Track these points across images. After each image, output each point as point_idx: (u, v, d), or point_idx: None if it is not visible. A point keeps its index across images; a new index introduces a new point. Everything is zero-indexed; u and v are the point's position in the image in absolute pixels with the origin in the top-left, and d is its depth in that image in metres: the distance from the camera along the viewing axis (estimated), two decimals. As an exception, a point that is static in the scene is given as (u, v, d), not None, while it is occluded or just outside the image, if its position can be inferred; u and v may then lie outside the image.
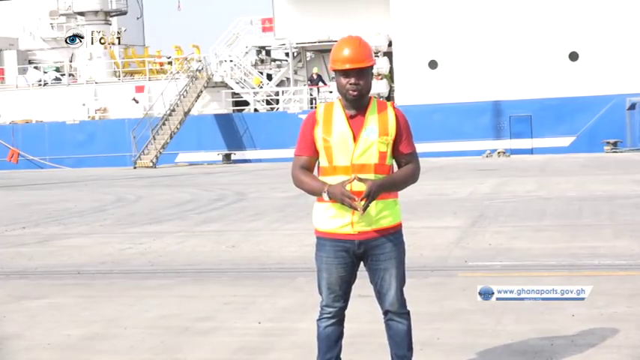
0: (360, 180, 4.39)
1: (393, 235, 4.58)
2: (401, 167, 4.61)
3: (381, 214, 4.52)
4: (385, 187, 4.45)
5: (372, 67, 4.53)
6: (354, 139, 4.48)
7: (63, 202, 19.34)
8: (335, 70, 4.52)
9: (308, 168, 4.59)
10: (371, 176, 4.45)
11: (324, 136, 4.50)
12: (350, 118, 4.51)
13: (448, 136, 35.55)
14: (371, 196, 4.38)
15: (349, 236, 4.52)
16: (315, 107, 4.64)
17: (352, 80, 4.46)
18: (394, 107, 4.59)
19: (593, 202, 14.69)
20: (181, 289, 8.32)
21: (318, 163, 4.60)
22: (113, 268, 9.82)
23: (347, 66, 4.46)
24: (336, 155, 4.49)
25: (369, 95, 4.57)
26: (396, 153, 4.57)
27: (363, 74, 4.48)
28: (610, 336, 5.95)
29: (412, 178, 4.59)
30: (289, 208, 15.71)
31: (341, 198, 4.38)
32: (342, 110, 4.53)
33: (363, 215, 4.46)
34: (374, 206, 4.47)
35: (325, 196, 4.43)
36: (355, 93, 4.47)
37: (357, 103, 4.51)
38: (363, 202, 4.37)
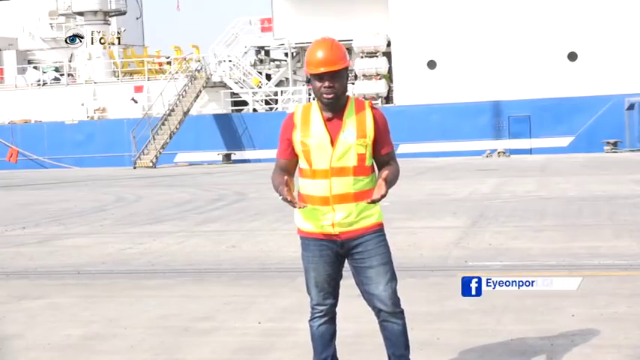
0: (380, 182, 4.40)
1: (374, 233, 4.57)
2: (380, 166, 4.60)
3: (362, 215, 4.53)
4: (390, 186, 4.48)
5: (346, 68, 4.49)
6: (332, 142, 4.46)
7: (63, 202, 19.34)
8: (309, 74, 4.49)
9: (286, 171, 4.60)
10: (350, 179, 4.46)
11: (302, 139, 4.50)
12: (327, 120, 4.49)
13: (447, 137, 35.55)
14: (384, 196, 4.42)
15: (331, 236, 4.55)
16: (294, 110, 4.63)
17: (326, 84, 4.43)
18: (372, 107, 4.56)
19: (593, 202, 14.69)
20: (181, 289, 8.32)
21: (299, 165, 4.60)
22: (113, 268, 9.81)
23: (321, 69, 4.43)
24: (315, 159, 4.48)
25: (347, 95, 4.55)
26: (375, 153, 4.56)
27: (337, 77, 4.45)
28: (610, 336, 5.95)
29: (397, 178, 4.59)
30: (289, 208, 15.50)
31: (282, 196, 4.44)
32: (320, 113, 4.51)
33: (344, 217, 4.48)
34: (354, 207, 4.49)
35: (279, 198, 4.51)
36: (330, 96, 4.45)
37: (334, 106, 4.49)
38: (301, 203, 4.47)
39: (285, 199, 4.43)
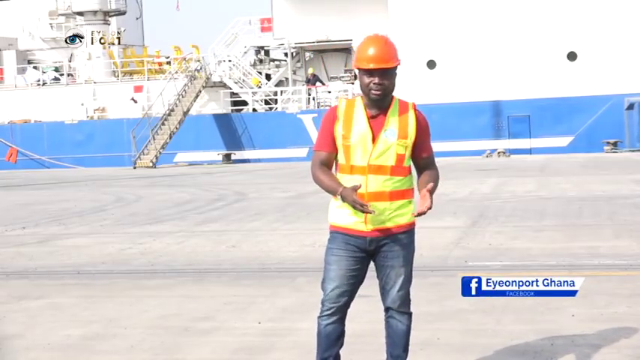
0: (425, 193, 4.42)
1: (405, 234, 4.58)
2: (419, 169, 4.62)
3: (395, 213, 4.53)
4: (433, 194, 4.51)
5: (396, 67, 4.52)
6: (373, 139, 4.47)
7: (63, 202, 19.34)
8: (359, 69, 4.49)
9: (327, 164, 4.57)
10: (387, 178, 4.46)
11: (344, 133, 4.49)
12: (371, 118, 4.50)
13: (446, 136, 35.50)
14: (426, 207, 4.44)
15: (362, 233, 4.53)
16: (337, 103, 4.64)
17: (376, 80, 4.45)
18: (415, 109, 4.57)
19: (593, 202, 14.70)
20: (181, 289, 8.32)
21: (337, 159, 4.59)
22: (113, 268, 9.81)
23: (371, 65, 4.44)
24: (354, 155, 4.48)
25: (392, 95, 4.56)
26: (415, 155, 4.57)
27: (387, 74, 4.48)
28: (610, 336, 5.95)
29: (439, 183, 4.63)
30: (289, 208, 15.70)
31: (352, 204, 4.40)
32: (364, 109, 4.52)
33: (378, 214, 4.47)
34: (389, 206, 4.50)
35: (339, 198, 4.46)
36: (379, 93, 4.46)
37: (379, 103, 4.50)
38: (370, 206, 4.41)
39: (356, 205, 4.38)
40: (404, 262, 4.59)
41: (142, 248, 11.25)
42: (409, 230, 4.61)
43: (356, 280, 4.60)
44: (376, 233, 4.53)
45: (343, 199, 4.43)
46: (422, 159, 4.59)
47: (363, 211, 4.39)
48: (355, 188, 4.39)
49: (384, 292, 4.65)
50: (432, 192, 4.46)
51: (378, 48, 4.47)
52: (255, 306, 7.37)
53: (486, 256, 9.53)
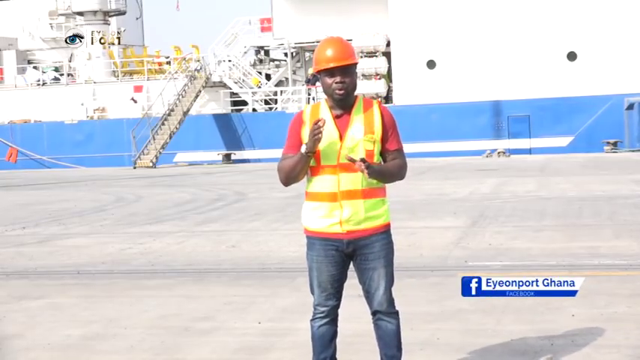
0: (351, 159, 4.40)
1: (382, 234, 4.61)
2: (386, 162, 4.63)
3: (369, 214, 4.55)
4: (376, 169, 4.43)
5: (355, 65, 4.55)
6: (341, 138, 4.50)
7: (63, 202, 19.34)
8: (319, 71, 4.52)
9: None
10: (358, 176, 4.48)
11: None
12: (336, 117, 4.54)
13: (446, 136, 35.56)
14: (365, 161, 4.35)
15: (338, 235, 4.56)
16: (303, 108, 4.66)
17: (338, 79, 4.48)
18: (380, 105, 4.61)
19: (593, 202, 14.70)
20: (181, 289, 8.32)
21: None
22: (113, 268, 9.82)
23: (331, 64, 4.47)
24: (324, 155, 4.51)
25: (355, 94, 4.59)
26: (382, 150, 4.59)
27: (347, 72, 4.50)
28: (610, 336, 5.95)
29: (399, 172, 4.60)
30: (289, 208, 15.70)
31: (312, 134, 4.37)
32: (329, 110, 4.56)
33: (352, 214, 4.49)
34: (362, 205, 4.50)
35: (304, 148, 4.43)
36: (342, 92, 4.49)
37: (343, 103, 4.53)
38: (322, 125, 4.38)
39: (314, 129, 4.34)
40: (385, 262, 4.62)
41: (142, 248, 11.25)
42: (386, 231, 4.63)
43: (340, 283, 4.67)
44: (352, 235, 4.55)
45: (309, 149, 4.39)
46: (389, 152, 4.58)
47: (316, 130, 4.33)
48: (317, 123, 4.36)
49: (368, 295, 4.67)
50: (382, 166, 4.48)
51: (336, 47, 4.51)
52: (255, 306, 7.38)
53: (486, 256, 9.53)
